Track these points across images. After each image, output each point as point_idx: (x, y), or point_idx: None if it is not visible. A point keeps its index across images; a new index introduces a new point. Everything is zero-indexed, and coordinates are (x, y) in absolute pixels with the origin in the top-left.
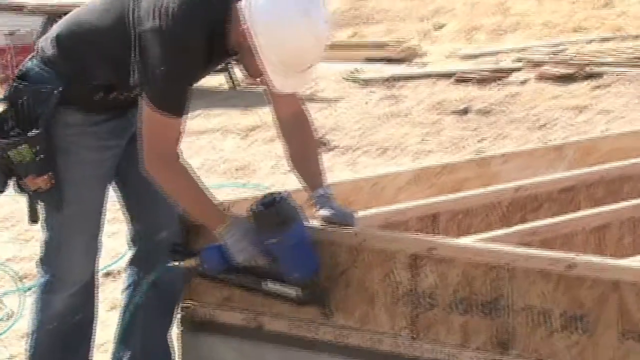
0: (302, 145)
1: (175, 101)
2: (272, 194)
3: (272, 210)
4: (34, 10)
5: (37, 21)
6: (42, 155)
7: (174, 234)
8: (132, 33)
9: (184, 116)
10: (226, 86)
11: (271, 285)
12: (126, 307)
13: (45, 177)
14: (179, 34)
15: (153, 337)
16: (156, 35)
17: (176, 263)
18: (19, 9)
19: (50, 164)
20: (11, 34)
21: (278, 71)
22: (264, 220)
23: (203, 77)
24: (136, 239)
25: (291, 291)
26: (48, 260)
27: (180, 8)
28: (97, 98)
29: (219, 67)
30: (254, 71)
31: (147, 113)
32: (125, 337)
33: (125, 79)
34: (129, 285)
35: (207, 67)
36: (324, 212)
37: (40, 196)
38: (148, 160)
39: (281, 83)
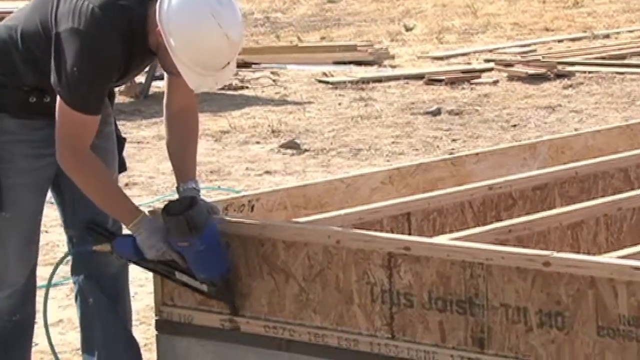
0: (183, 138)
1: (90, 101)
2: (187, 197)
3: (181, 218)
4: None
5: None
6: None
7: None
8: (52, 34)
9: (99, 115)
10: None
11: (183, 277)
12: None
13: None
14: (94, 35)
15: (113, 334)
16: (72, 35)
17: (91, 246)
18: None
19: None
20: None
21: (192, 71)
22: (174, 226)
23: (127, 77)
24: (71, 246)
25: (200, 286)
26: None
27: (98, 9)
28: (31, 101)
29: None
30: (173, 70)
31: (62, 108)
32: (87, 346)
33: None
34: (77, 293)
35: (127, 68)
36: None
37: None
38: (60, 152)
39: (196, 82)
